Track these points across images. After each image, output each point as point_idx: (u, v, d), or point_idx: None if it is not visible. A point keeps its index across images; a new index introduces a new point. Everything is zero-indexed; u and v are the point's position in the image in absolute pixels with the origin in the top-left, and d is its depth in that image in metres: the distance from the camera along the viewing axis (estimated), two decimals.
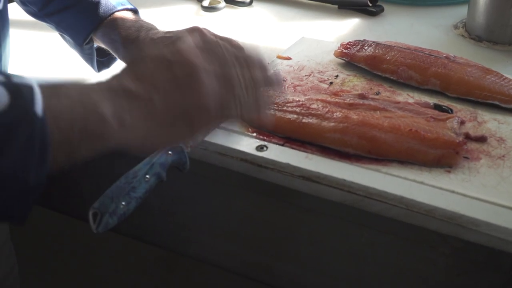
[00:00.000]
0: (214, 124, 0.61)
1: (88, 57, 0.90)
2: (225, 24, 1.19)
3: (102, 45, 0.87)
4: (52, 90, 0.49)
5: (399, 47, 0.90)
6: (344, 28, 1.13)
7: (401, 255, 0.74)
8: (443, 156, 0.69)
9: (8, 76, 0.47)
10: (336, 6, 1.21)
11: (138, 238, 1.06)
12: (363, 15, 1.17)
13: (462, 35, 1.05)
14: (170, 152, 0.63)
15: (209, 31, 0.81)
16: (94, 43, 0.88)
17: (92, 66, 0.91)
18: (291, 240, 0.84)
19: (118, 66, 0.87)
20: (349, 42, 0.95)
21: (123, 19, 0.84)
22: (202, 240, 0.95)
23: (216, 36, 0.81)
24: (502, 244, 0.61)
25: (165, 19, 1.22)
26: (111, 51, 0.86)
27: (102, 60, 0.91)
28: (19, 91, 0.46)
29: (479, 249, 0.63)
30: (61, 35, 0.91)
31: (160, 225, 0.97)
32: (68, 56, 0.99)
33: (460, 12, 1.12)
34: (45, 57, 1.06)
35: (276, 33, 1.12)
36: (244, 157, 0.74)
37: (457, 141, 0.70)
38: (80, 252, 1.67)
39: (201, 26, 0.81)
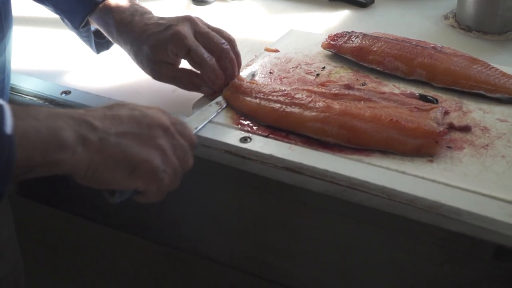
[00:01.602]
0: (145, 186, 0.61)
1: (86, 39, 0.92)
2: (215, 17, 1.19)
3: (98, 28, 0.88)
4: (22, 110, 0.53)
5: (386, 38, 0.90)
6: (334, 20, 1.13)
7: (384, 245, 0.74)
8: (423, 145, 0.69)
9: None
10: None
11: (135, 233, 1.07)
12: (354, 7, 1.17)
13: (452, 26, 1.05)
14: None
15: (201, 21, 0.83)
16: (92, 26, 0.89)
17: (91, 47, 0.92)
18: (278, 232, 0.84)
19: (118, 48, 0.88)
20: (336, 33, 0.94)
21: (117, 3, 0.85)
22: (192, 233, 0.95)
23: (208, 26, 0.83)
24: (483, 233, 0.61)
25: (156, 12, 1.22)
26: (105, 34, 0.87)
27: (101, 42, 0.92)
28: None
29: (461, 239, 0.63)
30: (61, 19, 0.92)
31: (151, 219, 0.97)
32: (68, 51, 1.00)
33: (450, 3, 1.11)
34: (46, 52, 1.07)
35: (266, 26, 1.12)
36: (228, 149, 0.74)
37: (437, 131, 0.70)
38: (81, 248, 1.68)
39: (195, 16, 0.82)
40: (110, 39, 0.86)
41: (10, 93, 0.90)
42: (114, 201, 0.61)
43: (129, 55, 0.84)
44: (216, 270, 1.06)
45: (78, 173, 0.57)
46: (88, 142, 0.56)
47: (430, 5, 1.14)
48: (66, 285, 1.59)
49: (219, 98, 0.81)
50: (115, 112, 0.61)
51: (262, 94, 0.79)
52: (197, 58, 0.78)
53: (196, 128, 0.75)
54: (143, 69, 0.83)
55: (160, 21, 0.81)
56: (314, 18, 1.15)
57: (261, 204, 0.81)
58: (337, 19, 1.13)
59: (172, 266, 1.64)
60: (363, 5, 1.16)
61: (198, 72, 0.81)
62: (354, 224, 0.74)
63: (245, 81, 0.82)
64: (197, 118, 0.77)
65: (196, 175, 0.82)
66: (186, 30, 0.78)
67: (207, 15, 1.20)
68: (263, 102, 0.78)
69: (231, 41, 0.82)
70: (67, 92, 0.89)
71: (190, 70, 0.81)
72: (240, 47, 1.02)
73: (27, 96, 0.90)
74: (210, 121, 0.78)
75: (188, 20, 0.80)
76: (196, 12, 1.23)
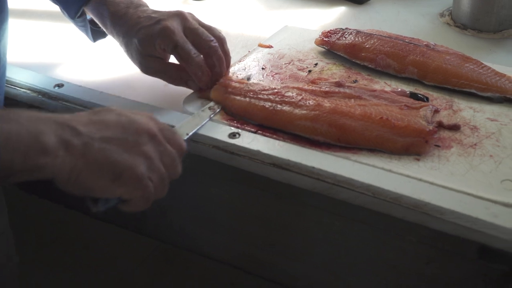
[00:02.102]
0: (128, 193, 0.60)
1: (82, 28, 0.92)
2: (212, 13, 1.19)
3: (93, 19, 0.88)
4: (4, 114, 0.53)
5: (379, 35, 0.89)
6: (330, 16, 1.12)
7: (371, 243, 0.74)
8: (412, 144, 0.68)
9: None
10: None
11: (133, 229, 1.07)
12: (350, 3, 1.17)
13: (448, 23, 1.04)
14: None
15: (192, 17, 0.83)
16: (88, 15, 0.89)
17: (88, 36, 0.92)
18: (267, 228, 0.84)
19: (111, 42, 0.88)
20: (330, 30, 0.94)
21: None
22: (188, 229, 0.95)
23: (199, 22, 0.82)
24: (467, 232, 0.61)
25: (153, 6, 1.22)
26: (100, 25, 0.87)
27: (97, 30, 0.92)
28: None
29: (445, 238, 0.63)
30: (60, 8, 0.92)
31: (149, 215, 0.97)
32: (63, 44, 1.00)
33: (446, 1, 1.10)
34: (41, 45, 1.07)
35: (262, 22, 1.12)
36: (216, 144, 0.74)
37: (427, 129, 0.69)
38: (78, 243, 1.68)
39: (188, 12, 0.82)
40: (104, 30, 0.86)
41: (5, 85, 0.91)
42: (97, 210, 0.59)
43: (121, 47, 0.84)
44: (215, 267, 1.06)
45: (60, 178, 0.55)
46: (71, 147, 0.55)
47: (426, 2, 1.14)
48: (62, 278, 1.60)
49: (212, 103, 0.80)
50: (101, 117, 0.60)
51: (251, 93, 0.79)
52: (183, 54, 0.78)
53: (187, 134, 0.73)
54: (133, 61, 0.83)
55: (152, 15, 0.81)
56: (310, 14, 1.14)
57: (251, 200, 0.82)
58: (333, 16, 1.12)
59: (171, 263, 1.64)
60: (359, 2, 1.15)
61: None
62: (342, 221, 0.74)
63: (233, 80, 0.82)
64: (189, 124, 0.75)
65: (187, 170, 0.82)
66: (175, 25, 0.78)
67: (204, 10, 1.20)
68: (252, 101, 0.78)
69: (220, 39, 0.82)
70: (60, 85, 0.89)
71: (178, 65, 0.81)
72: (234, 43, 1.02)
73: (21, 89, 0.90)
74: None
75: (179, 15, 0.80)
76: (193, 7, 1.23)
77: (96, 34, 0.91)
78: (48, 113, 0.57)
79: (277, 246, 0.85)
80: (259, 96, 0.78)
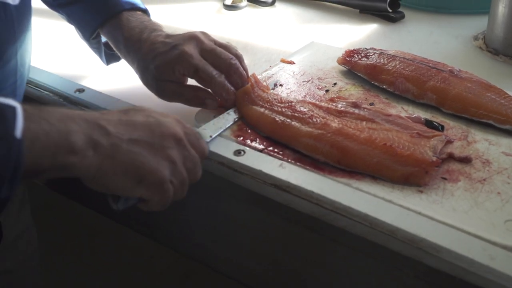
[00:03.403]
0: (149, 195, 0.61)
1: (96, 51, 0.92)
2: (244, 23, 1.19)
3: (108, 42, 0.88)
4: (35, 113, 0.54)
5: (402, 57, 0.87)
6: (360, 33, 1.10)
7: (372, 274, 0.71)
8: (412, 174, 0.66)
9: None
10: (358, 10, 1.18)
11: (154, 239, 1.07)
12: (383, 20, 1.14)
13: (480, 47, 1.01)
14: None
15: (207, 37, 0.82)
16: (103, 37, 0.90)
17: (101, 58, 0.93)
18: (273, 249, 0.83)
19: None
20: (353, 49, 0.92)
21: (128, 19, 0.85)
22: (206, 244, 0.94)
23: (215, 42, 0.82)
24: (463, 273, 0.58)
25: (187, 16, 1.23)
26: (115, 49, 0.87)
27: (112, 54, 0.92)
28: (3, 112, 0.51)
29: (442, 276, 0.60)
30: (75, 28, 0.94)
31: (169, 226, 0.98)
32: (89, 50, 1.02)
33: (484, 23, 1.07)
34: (68, 49, 1.09)
35: (290, 36, 1.11)
36: (221, 161, 0.74)
37: (430, 160, 0.67)
38: (98, 243, 1.71)
39: (201, 32, 0.82)
40: (119, 54, 0.86)
41: (28, 86, 0.93)
42: (117, 208, 0.62)
43: (136, 73, 0.84)
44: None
45: (86, 176, 0.57)
46: (99, 147, 0.57)
47: (462, 24, 1.10)
48: (81, 275, 1.62)
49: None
50: (130, 117, 0.62)
51: (268, 103, 0.79)
52: (205, 76, 0.78)
53: (210, 136, 0.74)
54: (148, 87, 0.82)
55: (167, 40, 0.80)
56: (340, 30, 1.13)
57: (256, 218, 0.81)
58: (362, 33, 1.10)
59: (188, 277, 1.64)
60: (392, 20, 1.13)
61: (202, 87, 0.80)
62: (343, 250, 0.72)
63: (255, 88, 0.81)
64: (213, 126, 0.76)
65: (200, 186, 0.81)
66: (192, 49, 0.77)
67: (236, 20, 1.20)
68: (266, 112, 0.77)
69: (238, 57, 0.81)
70: (80, 90, 0.91)
71: (194, 85, 0.81)
72: (258, 56, 1.02)
73: (44, 91, 0.92)
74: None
75: (194, 38, 0.79)
76: (227, 17, 1.23)
77: (110, 57, 0.92)
78: (80, 111, 0.58)
79: (283, 268, 0.83)
80: (273, 107, 0.78)
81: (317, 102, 0.80)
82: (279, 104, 0.78)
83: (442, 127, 0.76)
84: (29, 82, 0.93)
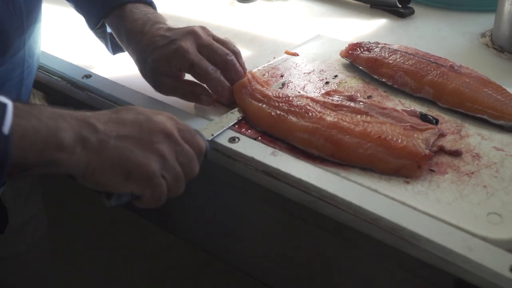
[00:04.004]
0: (140, 190, 0.61)
1: (102, 40, 0.94)
2: (255, 16, 1.20)
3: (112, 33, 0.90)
4: (26, 110, 0.55)
5: (404, 52, 0.87)
6: (368, 28, 1.11)
7: (361, 264, 0.73)
8: (404, 166, 0.67)
9: None
10: (369, 5, 1.18)
11: (169, 230, 1.09)
12: (393, 16, 1.14)
13: (486, 44, 1.00)
14: None
15: (206, 32, 0.82)
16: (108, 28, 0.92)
17: (107, 48, 0.95)
18: (267, 237, 0.84)
19: None
20: (357, 43, 0.93)
21: (132, 11, 0.86)
22: (221, 238, 0.96)
23: (213, 37, 0.82)
24: (441, 263, 0.59)
25: (200, 8, 1.25)
26: (118, 40, 0.89)
27: (118, 44, 0.93)
28: None
29: (422, 266, 0.61)
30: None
31: (180, 216, 0.99)
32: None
33: (493, 21, 1.06)
34: (77, 35, 1.12)
35: (299, 28, 1.12)
36: (215, 147, 0.75)
37: (423, 153, 0.67)
38: (112, 232, 1.73)
39: (200, 27, 0.82)
40: (121, 45, 0.88)
41: (38, 71, 0.96)
42: (110, 205, 0.62)
43: (136, 65, 0.85)
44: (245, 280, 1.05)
45: (76, 173, 0.58)
46: (87, 144, 0.57)
47: (471, 21, 1.09)
48: (90, 263, 1.64)
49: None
50: (120, 115, 0.62)
51: (266, 98, 0.79)
52: (200, 72, 0.78)
53: (212, 135, 0.75)
54: (146, 79, 0.84)
55: (166, 34, 0.80)
56: (349, 24, 1.13)
57: (248, 205, 0.82)
58: (370, 28, 1.11)
59: (202, 270, 1.64)
60: (402, 15, 1.13)
61: (198, 82, 0.81)
62: (334, 239, 0.73)
63: (252, 82, 0.82)
64: (216, 125, 0.77)
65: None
66: (188, 44, 0.78)
67: (249, 13, 1.22)
68: (263, 106, 0.78)
69: (235, 53, 0.82)
70: (88, 76, 0.93)
71: (191, 80, 0.81)
72: (265, 48, 1.03)
73: (53, 76, 0.95)
74: (202, 117, 0.79)
75: (192, 33, 0.80)
76: (239, 9, 1.24)
77: (116, 47, 0.92)
78: (71, 110, 0.59)
79: (276, 258, 0.85)
80: (270, 102, 0.78)
81: (314, 96, 0.80)
82: (276, 99, 0.79)
83: (437, 121, 0.76)
84: (39, 67, 0.96)
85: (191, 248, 1.53)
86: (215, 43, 0.81)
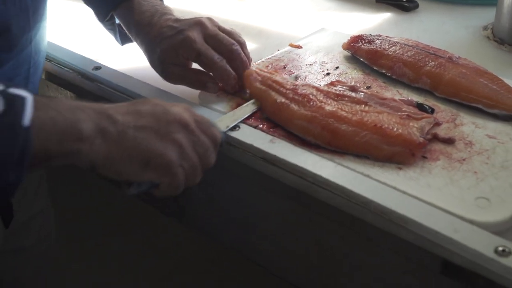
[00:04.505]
0: (158, 179, 0.64)
1: (111, 31, 0.97)
2: (263, 10, 1.22)
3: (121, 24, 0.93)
4: (45, 102, 0.57)
5: (404, 43, 0.89)
6: (372, 22, 1.13)
7: (352, 248, 0.75)
8: (398, 153, 0.69)
9: (6, 86, 0.55)
10: None
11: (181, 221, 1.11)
12: (398, 10, 1.16)
13: (488, 37, 1.01)
14: None
15: (212, 23, 0.85)
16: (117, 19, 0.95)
17: (116, 39, 0.98)
18: (265, 222, 0.86)
19: None
20: (359, 35, 0.95)
21: (140, 3, 0.89)
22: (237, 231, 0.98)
23: (219, 27, 0.85)
24: (429, 245, 0.60)
25: (209, 3, 1.28)
26: (127, 32, 0.91)
27: (127, 35, 0.95)
28: (13, 101, 0.54)
29: (411, 248, 0.63)
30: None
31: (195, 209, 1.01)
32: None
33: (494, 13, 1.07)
34: (88, 27, 1.14)
35: (307, 22, 1.14)
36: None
37: (417, 141, 0.69)
38: (123, 227, 1.74)
39: (207, 18, 0.85)
40: (130, 36, 0.90)
41: (49, 62, 1.00)
42: (130, 193, 0.64)
43: (145, 55, 0.88)
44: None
45: (96, 164, 0.60)
46: (107, 134, 0.59)
47: (474, 15, 1.11)
48: (99, 257, 1.65)
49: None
50: (137, 107, 0.64)
51: (276, 84, 0.81)
52: (207, 61, 0.81)
53: (227, 126, 0.77)
54: (155, 69, 0.86)
55: (174, 24, 0.83)
56: (355, 17, 1.15)
57: (249, 192, 0.84)
58: (375, 21, 1.12)
59: (219, 263, 1.65)
60: (406, 9, 1.14)
61: (205, 71, 0.84)
62: (327, 224, 0.75)
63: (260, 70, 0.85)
64: (231, 117, 0.79)
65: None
66: (195, 34, 0.81)
67: (257, 7, 1.24)
68: (272, 93, 0.80)
69: (241, 43, 0.84)
70: (97, 68, 0.96)
71: (197, 69, 0.84)
72: (270, 41, 1.06)
73: (64, 68, 0.99)
74: (206, 106, 0.81)
75: (199, 24, 0.82)
76: (246, 3, 1.27)
77: (125, 37, 0.95)
78: (88, 103, 0.61)
79: (275, 241, 0.87)
80: (278, 88, 0.81)
81: (317, 85, 0.82)
82: (284, 86, 0.81)
83: (432, 110, 0.78)
84: (50, 59, 1.00)
85: (202, 243, 1.56)
86: (221, 33, 0.83)
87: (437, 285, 0.67)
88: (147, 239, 1.70)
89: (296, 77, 0.88)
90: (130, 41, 0.96)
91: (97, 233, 1.69)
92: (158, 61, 0.85)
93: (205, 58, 0.81)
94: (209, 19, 0.85)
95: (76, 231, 1.59)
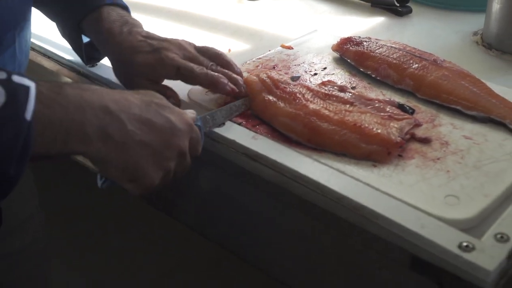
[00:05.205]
0: (135, 190, 0.65)
1: (76, 49, 0.94)
2: (260, 13, 1.24)
3: (88, 36, 0.91)
4: (51, 97, 0.55)
5: (391, 46, 0.91)
6: (365, 25, 1.14)
7: (330, 244, 0.76)
8: (374, 152, 0.71)
9: (9, 75, 0.53)
10: (370, 4, 1.22)
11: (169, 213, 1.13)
12: (392, 15, 1.18)
13: (477, 42, 1.03)
14: None
15: (188, 44, 0.85)
16: (83, 37, 0.91)
17: (81, 58, 0.95)
18: (252, 219, 0.88)
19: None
20: (348, 37, 0.97)
21: (109, 13, 0.87)
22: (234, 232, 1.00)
23: (195, 47, 0.85)
24: (398, 240, 0.62)
25: (207, 5, 1.30)
26: (94, 42, 0.90)
27: (91, 55, 0.94)
28: (15, 92, 0.52)
29: (381, 243, 0.65)
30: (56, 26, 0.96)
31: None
32: None
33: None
34: None
35: (301, 24, 1.15)
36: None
37: (394, 141, 0.71)
38: (128, 230, 1.75)
39: (183, 40, 0.85)
40: (99, 48, 0.89)
41: (45, 59, 1.02)
42: (101, 187, 0.67)
43: (112, 64, 0.88)
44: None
45: (90, 159, 0.61)
46: (110, 141, 0.60)
47: (466, 20, 1.12)
48: (91, 260, 1.66)
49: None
50: (151, 116, 0.64)
51: (270, 80, 0.83)
52: (187, 72, 0.81)
53: (223, 124, 0.79)
54: (118, 77, 0.87)
55: (149, 41, 0.83)
56: (349, 21, 1.17)
57: (234, 187, 0.86)
58: (368, 25, 1.14)
59: (219, 266, 1.65)
60: (399, 14, 1.16)
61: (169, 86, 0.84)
62: (306, 219, 0.77)
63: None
64: (225, 113, 0.80)
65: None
66: (174, 55, 0.81)
67: (256, 11, 1.26)
68: (263, 93, 0.82)
69: (219, 56, 0.85)
70: (93, 64, 0.99)
71: (165, 85, 0.84)
72: (262, 42, 1.08)
73: (60, 64, 1.02)
74: (194, 102, 0.84)
75: (176, 45, 0.83)
76: (246, 6, 1.29)
77: (90, 57, 0.94)
78: (104, 90, 0.62)
79: (262, 238, 0.89)
80: (271, 87, 0.82)
81: (307, 85, 0.84)
82: (277, 85, 0.83)
83: (413, 111, 0.80)
84: (46, 55, 1.02)
85: (201, 243, 1.56)
86: (200, 56, 0.84)
87: (409, 280, 0.69)
88: (146, 237, 1.71)
89: (294, 78, 0.90)
90: (96, 61, 0.96)
91: (96, 231, 1.70)
92: (128, 73, 0.84)
93: (185, 70, 0.81)
94: (184, 41, 0.85)
95: (76, 230, 1.61)
